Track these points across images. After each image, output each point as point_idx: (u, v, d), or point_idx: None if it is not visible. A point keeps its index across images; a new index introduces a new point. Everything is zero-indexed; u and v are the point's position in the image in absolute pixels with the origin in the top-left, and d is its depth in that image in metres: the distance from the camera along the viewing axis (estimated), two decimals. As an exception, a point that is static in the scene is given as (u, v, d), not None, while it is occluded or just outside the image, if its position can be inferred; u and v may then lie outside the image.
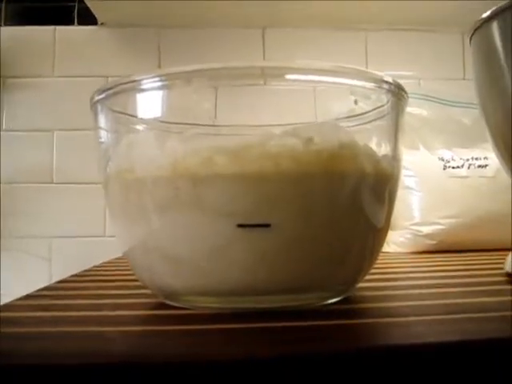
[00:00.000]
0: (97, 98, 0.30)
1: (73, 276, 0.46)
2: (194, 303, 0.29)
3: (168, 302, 0.31)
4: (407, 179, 0.68)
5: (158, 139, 0.29)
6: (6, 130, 0.87)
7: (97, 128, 0.31)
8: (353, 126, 0.30)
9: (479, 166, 0.67)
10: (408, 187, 0.68)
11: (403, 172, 0.68)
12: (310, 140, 0.26)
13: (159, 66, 0.89)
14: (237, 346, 0.23)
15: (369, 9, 0.84)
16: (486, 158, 0.67)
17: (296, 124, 0.29)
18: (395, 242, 0.68)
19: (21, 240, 0.86)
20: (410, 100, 0.75)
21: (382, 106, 0.30)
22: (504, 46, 0.35)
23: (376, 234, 0.31)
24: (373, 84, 0.29)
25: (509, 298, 0.32)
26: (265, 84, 0.29)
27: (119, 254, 0.49)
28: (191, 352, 0.22)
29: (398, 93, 0.30)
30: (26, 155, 0.87)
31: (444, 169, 0.67)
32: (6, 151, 0.87)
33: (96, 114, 0.31)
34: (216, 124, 0.33)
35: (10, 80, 0.88)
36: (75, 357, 0.21)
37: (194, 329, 0.26)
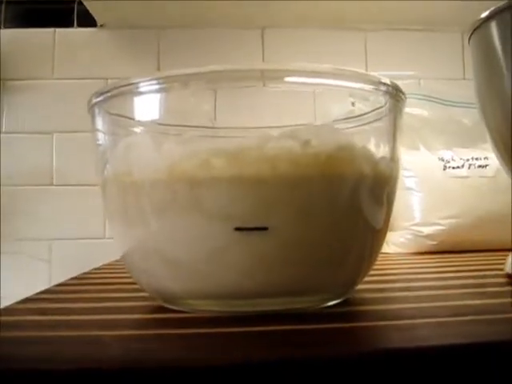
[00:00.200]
0: (94, 100, 0.30)
1: (72, 279, 0.46)
2: (192, 306, 0.29)
3: (166, 305, 0.31)
4: (407, 180, 0.68)
5: (155, 142, 0.29)
6: (6, 132, 0.87)
7: (94, 130, 0.31)
8: (351, 128, 0.30)
9: (479, 166, 0.67)
10: (408, 188, 0.68)
11: (403, 172, 0.68)
12: (307, 142, 0.26)
13: (159, 67, 0.89)
14: (235, 350, 0.23)
15: (368, 9, 0.84)
16: (486, 158, 0.67)
17: (294, 126, 0.29)
18: (395, 243, 0.67)
19: (21, 242, 0.86)
20: (409, 100, 0.75)
21: (380, 107, 0.30)
22: (503, 46, 0.35)
23: (375, 235, 0.31)
24: (370, 86, 0.29)
25: (509, 299, 0.32)
26: (264, 86, 0.29)
27: (119, 256, 0.49)
28: (188, 357, 0.22)
29: (395, 94, 0.30)
30: (25, 157, 0.87)
31: (444, 169, 0.67)
32: (5, 153, 0.87)
33: (94, 117, 0.31)
34: (215, 126, 0.33)
35: (10, 82, 0.88)
36: (72, 362, 0.21)
37: (192, 332, 0.26)
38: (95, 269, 0.55)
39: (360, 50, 0.92)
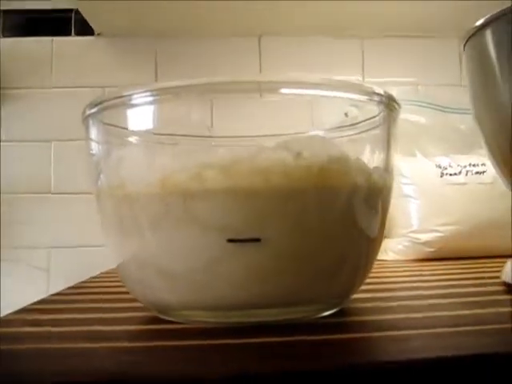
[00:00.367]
0: (88, 112, 0.30)
1: (69, 288, 0.46)
2: (186, 317, 0.29)
3: (161, 316, 0.31)
4: (405, 187, 0.68)
5: (147, 155, 0.29)
6: (4, 141, 0.87)
7: (88, 141, 0.31)
8: (344, 138, 0.30)
9: (477, 173, 0.67)
10: (406, 195, 0.68)
11: (401, 179, 0.68)
12: (299, 154, 0.26)
13: (156, 76, 0.89)
14: (229, 363, 0.23)
15: (365, 16, 0.84)
16: (483, 164, 0.67)
17: (287, 134, 0.29)
18: (393, 250, 0.67)
19: (19, 250, 0.86)
20: (407, 107, 0.75)
21: (374, 117, 0.30)
22: (497, 54, 0.35)
23: (369, 245, 0.31)
24: (364, 96, 0.29)
25: (505, 309, 0.32)
26: (259, 96, 0.29)
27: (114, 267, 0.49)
28: (179, 370, 0.22)
29: (389, 104, 0.30)
30: (23, 165, 0.87)
31: (441, 176, 0.67)
32: (4, 161, 0.87)
33: (87, 127, 0.31)
34: (212, 135, 0.33)
35: (8, 91, 0.88)
36: (60, 375, 0.21)
37: (185, 344, 0.25)
38: (92, 277, 0.55)
39: (357, 57, 0.92)
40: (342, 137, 0.30)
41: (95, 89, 0.87)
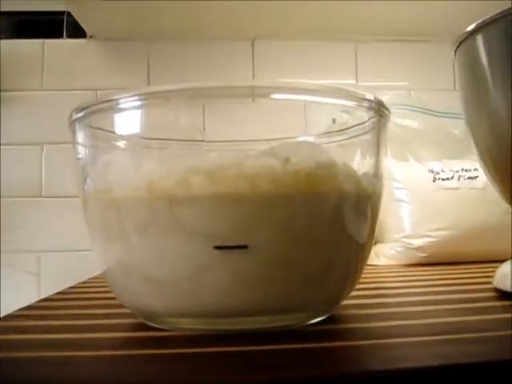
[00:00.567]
0: (75, 116, 0.30)
1: (57, 294, 0.46)
2: (173, 325, 0.29)
3: (148, 322, 0.30)
4: (397, 191, 0.68)
5: (134, 159, 0.29)
6: (-5, 144, 0.87)
7: (75, 145, 0.31)
8: (333, 143, 0.30)
9: (469, 178, 0.67)
10: (398, 199, 0.68)
11: (393, 184, 0.68)
12: (287, 160, 0.26)
13: (148, 79, 0.89)
14: (215, 371, 0.23)
15: (359, 20, 0.84)
16: (476, 169, 0.67)
17: (279, 139, 0.29)
18: (386, 255, 0.67)
19: (9, 254, 0.85)
20: (400, 111, 0.75)
21: (363, 123, 0.30)
22: (488, 59, 0.35)
23: (359, 251, 0.30)
24: (353, 102, 0.29)
25: (495, 316, 0.31)
26: (247, 101, 0.29)
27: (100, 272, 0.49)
28: (166, 378, 0.22)
29: (379, 110, 0.30)
30: (14, 169, 0.87)
31: (434, 181, 0.67)
32: (-6, 165, 0.86)
33: (74, 132, 0.31)
34: (200, 140, 0.33)
35: (-1, 93, 0.88)
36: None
37: (171, 353, 0.25)
38: (81, 283, 0.54)
39: (350, 61, 0.92)
40: (331, 142, 0.30)
41: (87, 92, 0.87)
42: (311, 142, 0.29)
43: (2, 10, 0.88)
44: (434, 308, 0.35)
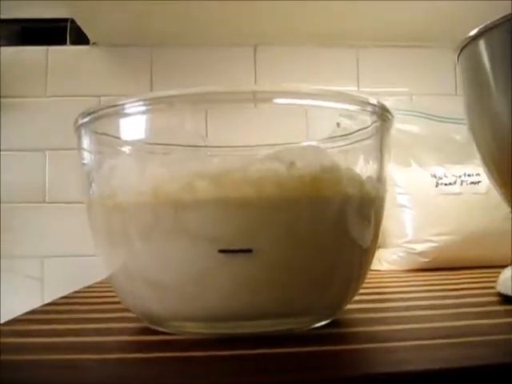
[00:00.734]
0: (81, 121, 0.30)
1: (62, 298, 0.46)
2: (177, 328, 0.29)
3: (152, 326, 0.30)
4: (399, 197, 0.68)
5: (139, 164, 0.29)
6: (-1, 150, 0.87)
7: (80, 150, 0.31)
8: (336, 148, 0.30)
9: (472, 183, 0.67)
10: (400, 204, 0.68)
11: (395, 190, 0.68)
12: (292, 164, 0.26)
13: (151, 85, 0.89)
14: (219, 375, 0.23)
15: (360, 26, 0.85)
16: (478, 174, 0.67)
17: (281, 144, 0.29)
18: (388, 260, 0.67)
19: (12, 260, 0.85)
20: (401, 116, 0.75)
21: (366, 127, 0.30)
22: (491, 64, 0.35)
23: (362, 255, 0.31)
24: (357, 106, 0.29)
25: (499, 320, 0.31)
26: (251, 106, 0.29)
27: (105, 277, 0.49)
28: (167, 382, 0.22)
29: (382, 114, 0.30)
30: (18, 175, 0.87)
31: (436, 186, 0.67)
32: (-2, 170, 0.86)
33: (80, 137, 0.31)
34: (206, 144, 0.33)
35: (3, 100, 0.88)
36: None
37: (175, 356, 0.25)
38: (86, 287, 0.54)
39: (352, 66, 0.92)
40: (334, 147, 0.30)
41: (90, 98, 0.87)
42: (315, 146, 0.29)
43: (7, 17, 0.88)
44: (437, 312, 0.35)
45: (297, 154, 0.28)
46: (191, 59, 0.90)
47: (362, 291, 0.33)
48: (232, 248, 0.26)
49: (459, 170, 0.69)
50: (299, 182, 0.26)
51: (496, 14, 0.34)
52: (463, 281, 0.51)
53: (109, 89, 0.88)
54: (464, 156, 0.71)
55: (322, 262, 0.28)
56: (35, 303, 0.43)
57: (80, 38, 0.89)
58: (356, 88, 0.91)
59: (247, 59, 0.91)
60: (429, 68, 0.92)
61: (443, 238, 0.64)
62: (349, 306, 0.33)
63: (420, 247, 0.64)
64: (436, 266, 0.63)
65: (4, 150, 0.87)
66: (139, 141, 0.30)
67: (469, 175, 0.68)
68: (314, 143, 0.30)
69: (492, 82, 0.35)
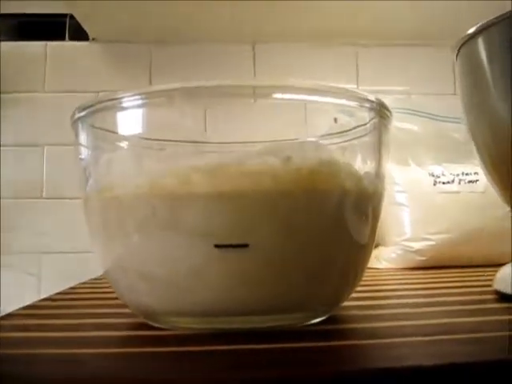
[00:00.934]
0: (78, 115, 0.30)
1: (57, 294, 0.46)
2: (173, 323, 0.29)
3: (148, 321, 0.30)
4: (398, 195, 0.68)
5: (136, 158, 0.29)
6: (-4, 145, 0.87)
7: (77, 145, 0.31)
8: (334, 144, 0.30)
9: (470, 182, 0.67)
10: (399, 203, 0.68)
11: (393, 188, 0.68)
12: (288, 159, 0.26)
13: (150, 81, 0.89)
14: (214, 369, 0.23)
15: (359, 24, 0.85)
16: (476, 173, 0.67)
17: (279, 141, 0.29)
18: (386, 258, 0.67)
19: (10, 256, 0.85)
20: (400, 115, 0.75)
21: (365, 124, 0.30)
22: (489, 62, 0.35)
23: (359, 252, 0.31)
24: (355, 102, 0.29)
25: (495, 317, 0.31)
26: (251, 101, 0.29)
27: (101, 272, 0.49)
28: (164, 376, 0.22)
29: (380, 111, 0.30)
30: (15, 170, 0.87)
31: (434, 184, 0.67)
32: (-5, 166, 0.86)
33: (77, 131, 0.31)
34: (204, 140, 0.33)
35: (1, 95, 0.88)
36: (43, 381, 0.21)
37: (170, 351, 0.25)
38: (82, 283, 0.54)
39: (351, 65, 0.92)
40: (333, 144, 0.30)
41: (89, 94, 0.87)
42: (313, 141, 0.29)
43: (6, 12, 0.88)
44: (434, 310, 0.35)
45: (294, 148, 0.27)
46: (190, 56, 0.90)
47: (359, 289, 0.33)
48: (228, 243, 0.25)
49: (457, 168, 0.69)
50: (296, 174, 0.26)
51: (495, 12, 0.34)
52: (460, 279, 0.51)
53: (108, 85, 0.88)
54: (462, 155, 0.70)
55: (319, 257, 0.28)
56: (32, 299, 0.42)
57: (79, 34, 0.89)
58: (355, 86, 0.91)
59: (246, 57, 0.91)
60: (428, 67, 0.92)
61: (441, 236, 0.64)
62: (345, 303, 0.33)
63: (417, 245, 0.64)
64: (433, 265, 0.63)
65: (2, 146, 0.87)
66: (137, 135, 0.30)
67: (467, 174, 0.68)
68: (312, 139, 0.30)
69: (490, 80, 0.35)
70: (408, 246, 0.65)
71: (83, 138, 0.31)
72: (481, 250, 0.63)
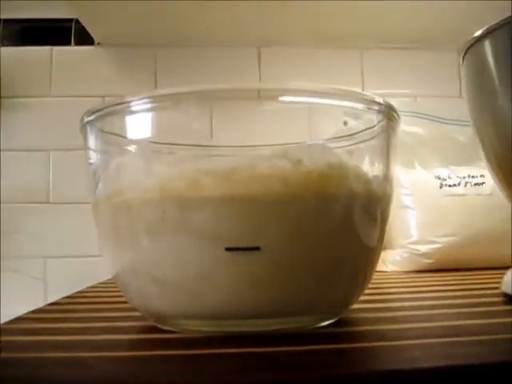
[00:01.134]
0: (86, 119, 0.30)
1: (65, 298, 0.46)
2: (183, 326, 0.29)
3: (158, 325, 0.30)
4: (404, 198, 0.68)
5: (146, 162, 0.29)
6: (3, 150, 0.87)
7: (86, 149, 0.31)
8: (343, 147, 0.30)
9: (476, 184, 0.67)
10: (405, 206, 0.68)
11: (400, 191, 0.68)
12: (299, 162, 0.26)
13: (156, 85, 0.90)
14: (224, 372, 0.23)
15: (365, 27, 0.85)
16: (482, 175, 0.67)
17: (287, 144, 0.29)
18: (393, 261, 0.67)
19: (17, 260, 0.85)
20: (406, 118, 0.75)
21: (373, 126, 0.30)
22: (495, 65, 0.35)
23: (368, 254, 0.31)
24: (363, 105, 0.29)
25: (504, 319, 0.31)
26: (257, 104, 0.29)
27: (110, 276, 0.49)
28: (169, 379, 0.22)
29: (388, 113, 0.30)
30: (22, 175, 0.87)
31: (440, 187, 0.67)
32: (2, 171, 0.86)
33: (86, 136, 0.31)
34: (210, 144, 0.33)
35: (7, 100, 0.88)
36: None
37: (179, 354, 0.25)
38: (90, 287, 0.54)
39: (356, 68, 0.92)
40: (341, 147, 0.30)
41: (94, 98, 0.87)
42: (322, 144, 0.29)
43: (11, 17, 0.89)
44: (442, 312, 0.35)
45: (304, 151, 0.28)
46: (196, 60, 0.90)
47: (366, 292, 0.33)
48: (239, 246, 0.26)
49: (463, 171, 0.69)
50: (306, 178, 0.26)
51: (501, 15, 0.34)
52: (467, 281, 0.51)
53: (113, 89, 0.88)
54: (468, 157, 0.71)
55: (329, 260, 0.28)
56: (38, 304, 0.43)
57: (84, 39, 0.89)
58: (361, 89, 0.91)
59: (251, 60, 0.91)
60: (433, 70, 0.92)
61: (447, 239, 0.64)
62: (354, 306, 0.33)
63: (424, 248, 0.64)
64: (440, 267, 0.63)
65: (8, 150, 0.87)
66: (145, 138, 0.30)
67: (473, 177, 0.68)
68: (320, 142, 0.30)
69: (497, 83, 0.35)
70: (414, 249, 0.65)
71: (92, 142, 0.31)
72: (487, 253, 0.63)
